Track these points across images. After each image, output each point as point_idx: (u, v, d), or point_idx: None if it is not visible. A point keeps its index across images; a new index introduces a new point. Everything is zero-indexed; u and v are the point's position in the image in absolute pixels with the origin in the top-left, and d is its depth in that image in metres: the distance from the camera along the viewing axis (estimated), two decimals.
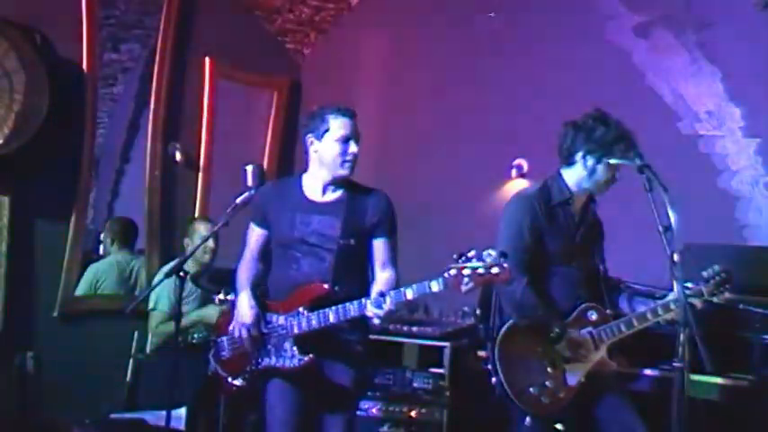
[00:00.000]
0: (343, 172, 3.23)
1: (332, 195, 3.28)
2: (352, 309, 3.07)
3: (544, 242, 3.28)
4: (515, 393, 3.17)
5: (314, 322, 3.13)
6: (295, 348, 3.16)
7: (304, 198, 3.28)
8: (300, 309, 3.17)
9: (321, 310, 3.12)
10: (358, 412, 3.64)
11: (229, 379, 3.38)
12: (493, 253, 2.80)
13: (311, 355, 3.13)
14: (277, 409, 3.21)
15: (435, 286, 2.90)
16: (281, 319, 3.22)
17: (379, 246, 3.27)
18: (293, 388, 3.20)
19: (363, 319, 3.13)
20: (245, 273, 3.39)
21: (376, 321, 3.06)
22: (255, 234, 3.40)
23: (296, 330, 3.17)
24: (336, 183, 3.27)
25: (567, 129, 3.35)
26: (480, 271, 2.78)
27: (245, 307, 3.27)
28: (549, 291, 3.28)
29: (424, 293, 2.94)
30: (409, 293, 2.96)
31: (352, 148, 3.21)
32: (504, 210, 3.39)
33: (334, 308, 3.11)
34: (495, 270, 2.77)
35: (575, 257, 3.33)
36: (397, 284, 3.19)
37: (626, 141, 3.26)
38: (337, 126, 3.21)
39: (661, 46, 4.92)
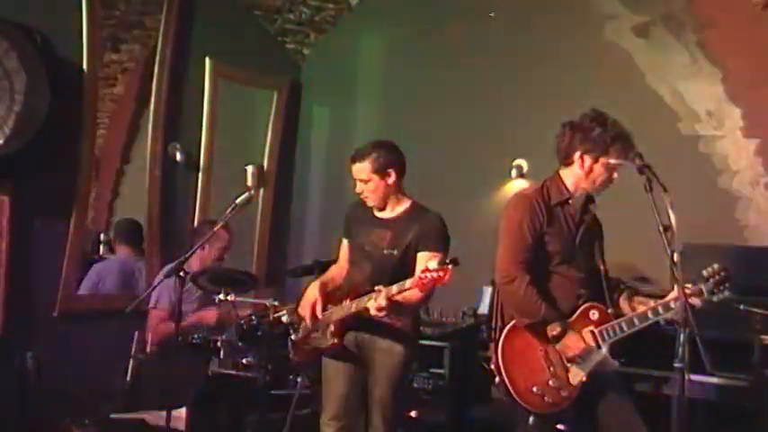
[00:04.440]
0: (368, 204, 3.71)
1: (390, 214, 3.72)
2: (363, 300, 3.45)
3: (544, 242, 3.28)
4: (519, 393, 3.17)
5: (344, 310, 3.56)
6: (331, 332, 3.57)
7: (371, 215, 3.75)
8: (344, 302, 3.62)
9: (348, 302, 3.57)
10: None
11: (293, 356, 3.86)
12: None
13: (335, 340, 3.56)
14: (329, 383, 3.69)
15: (408, 283, 3.27)
16: (331, 308, 3.65)
17: (420, 258, 3.55)
18: (344, 365, 3.65)
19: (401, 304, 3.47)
20: (328, 271, 3.94)
21: (373, 313, 3.36)
22: (343, 244, 3.90)
23: (334, 317, 3.60)
24: (392, 205, 3.71)
25: (564, 129, 3.36)
26: (427, 273, 3.18)
27: (307, 294, 3.73)
28: (550, 291, 3.28)
29: (402, 289, 3.30)
30: (393, 288, 3.32)
31: (358, 187, 3.70)
32: (504, 210, 3.39)
33: (356, 300, 3.52)
34: (435, 271, 3.17)
35: (575, 257, 3.33)
36: (428, 299, 3.58)
37: (623, 140, 3.26)
38: None
39: (661, 46, 4.92)
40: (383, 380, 3.56)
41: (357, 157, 3.69)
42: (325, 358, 3.71)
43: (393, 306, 3.35)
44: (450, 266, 3.16)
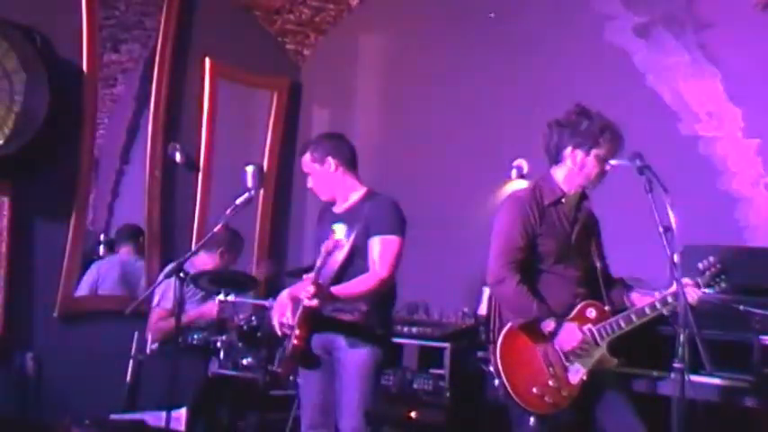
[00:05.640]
0: (322, 199, 3.73)
1: (344, 206, 3.67)
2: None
3: (538, 243, 3.28)
4: (518, 394, 3.17)
5: (300, 310, 3.43)
6: (295, 334, 3.41)
7: (330, 212, 3.71)
8: None
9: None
10: None
11: (277, 368, 3.79)
12: None
13: (296, 341, 3.38)
14: (303, 391, 3.64)
15: (318, 261, 3.37)
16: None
17: (370, 244, 3.50)
18: (314, 371, 3.54)
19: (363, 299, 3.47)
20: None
21: (306, 303, 3.31)
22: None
23: (297, 319, 3.46)
24: (344, 196, 3.66)
25: (551, 128, 3.37)
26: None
27: (277, 303, 3.59)
28: (547, 290, 3.28)
29: (317, 267, 3.36)
30: (314, 272, 3.35)
31: (308, 183, 3.72)
32: (496, 212, 3.39)
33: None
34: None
35: (570, 256, 3.32)
36: (383, 284, 3.46)
37: (611, 131, 3.28)
38: None
39: (661, 46, 4.92)
40: (349, 382, 3.45)
41: (300, 151, 3.74)
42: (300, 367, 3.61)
43: (326, 294, 3.30)
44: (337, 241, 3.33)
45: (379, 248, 3.46)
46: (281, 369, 3.63)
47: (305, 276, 3.39)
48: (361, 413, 3.42)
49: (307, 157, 3.68)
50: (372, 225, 3.48)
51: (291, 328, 3.45)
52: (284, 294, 3.57)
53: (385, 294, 3.55)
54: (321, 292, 3.28)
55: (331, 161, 3.63)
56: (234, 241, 5.03)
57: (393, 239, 3.49)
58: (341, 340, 3.48)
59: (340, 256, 3.48)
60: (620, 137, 3.27)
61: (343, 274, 3.47)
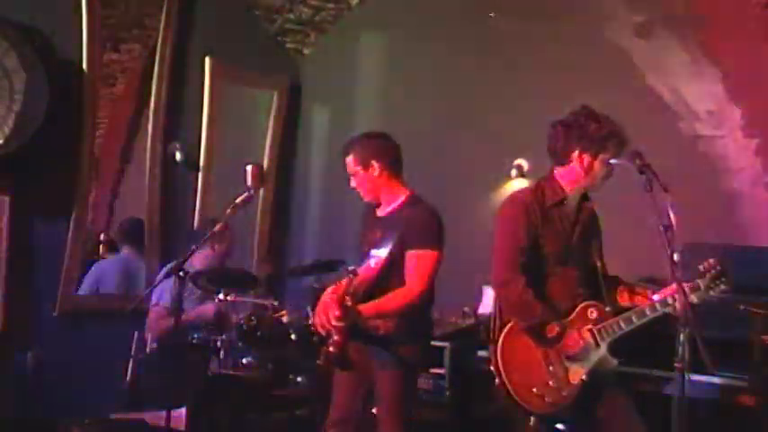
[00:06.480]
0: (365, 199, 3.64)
1: (385, 211, 3.60)
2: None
3: (540, 243, 3.27)
4: (519, 394, 3.17)
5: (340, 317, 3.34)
6: (333, 340, 3.31)
7: (374, 215, 3.64)
8: None
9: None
10: None
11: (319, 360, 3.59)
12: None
13: (331, 348, 3.26)
14: (334, 390, 3.60)
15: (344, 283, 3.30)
16: None
17: (406, 257, 3.42)
18: (345, 374, 3.49)
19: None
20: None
21: (334, 324, 3.26)
22: None
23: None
24: (386, 200, 3.58)
25: (556, 129, 3.34)
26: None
27: (321, 300, 3.47)
28: (548, 291, 3.28)
29: (340, 295, 3.26)
30: (342, 293, 3.27)
31: (352, 183, 3.61)
32: (498, 212, 3.38)
33: None
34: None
35: (572, 257, 3.32)
36: (416, 299, 3.39)
37: (619, 135, 3.27)
38: None
39: (661, 46, 4.92)
40: (382, 395, 3.43)
41: (344, 151, 3.63)
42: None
43: (355, 314, 3.27)
44: (351, 276, 3.24)
45: (414, 263, 3.39)
46: (324, 363, 3.44)
47: (347, 268, 3.33)
48: (399, 424, 3.41)
49: (350, 159, 3.58)
50: (408, 238, 3.39)
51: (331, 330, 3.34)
52: (328, 294, 3.39)
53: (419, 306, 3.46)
54: (348, 314, 3.24)
55: (375, 165, 3.54)
56: (218, 231, 4.97)
57: (428, 254, 3.41)
58: (376, 353, 3.43)
59: (375, 265, 3.43)
60: (626, 141, 3.27)
61: (379, 284, 3.41)
